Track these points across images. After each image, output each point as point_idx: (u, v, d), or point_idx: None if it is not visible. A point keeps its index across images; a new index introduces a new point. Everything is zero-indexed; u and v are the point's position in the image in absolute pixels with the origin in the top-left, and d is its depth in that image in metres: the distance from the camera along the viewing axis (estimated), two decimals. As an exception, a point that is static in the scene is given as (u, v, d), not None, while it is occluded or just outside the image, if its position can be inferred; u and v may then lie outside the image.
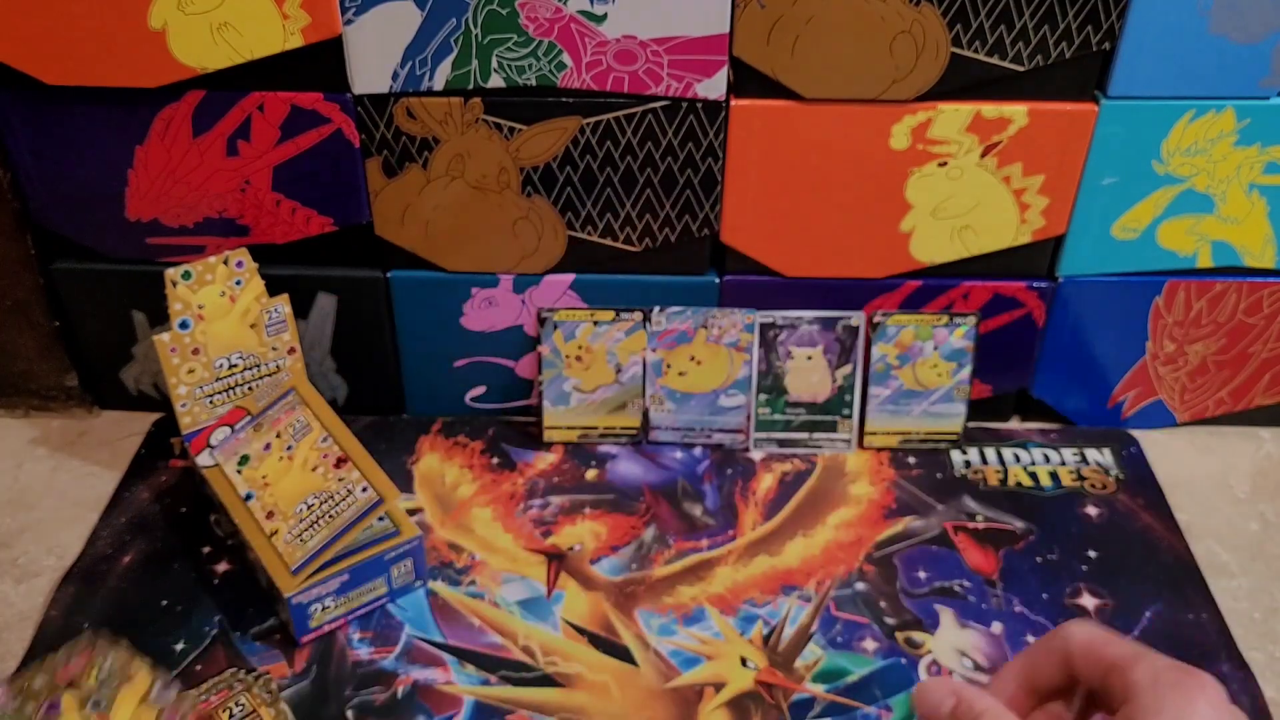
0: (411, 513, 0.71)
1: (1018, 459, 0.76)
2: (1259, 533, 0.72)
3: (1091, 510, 0.72)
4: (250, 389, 0.70)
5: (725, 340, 0.74)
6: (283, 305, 0.69)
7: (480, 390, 0.79)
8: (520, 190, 0.70)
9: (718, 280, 0.74)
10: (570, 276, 0.74)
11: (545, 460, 0.76)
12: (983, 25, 0.63)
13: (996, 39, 0.64)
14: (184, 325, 0.66)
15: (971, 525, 0.71)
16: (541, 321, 0.74)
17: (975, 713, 0.38)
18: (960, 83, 0.65)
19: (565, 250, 0.72)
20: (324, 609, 0.62)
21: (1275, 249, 0.72)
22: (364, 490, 0.62)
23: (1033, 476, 0.75)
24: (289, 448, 0.66)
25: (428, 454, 0.77)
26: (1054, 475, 0.75)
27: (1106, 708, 0.38)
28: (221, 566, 0.68)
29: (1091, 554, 0.69)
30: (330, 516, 0.61)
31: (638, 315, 0.74)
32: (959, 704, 0.38)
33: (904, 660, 0.62)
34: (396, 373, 0.79)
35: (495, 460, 0.76)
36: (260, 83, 0.66)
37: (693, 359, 0.75)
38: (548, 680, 0.61)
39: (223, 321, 0.67)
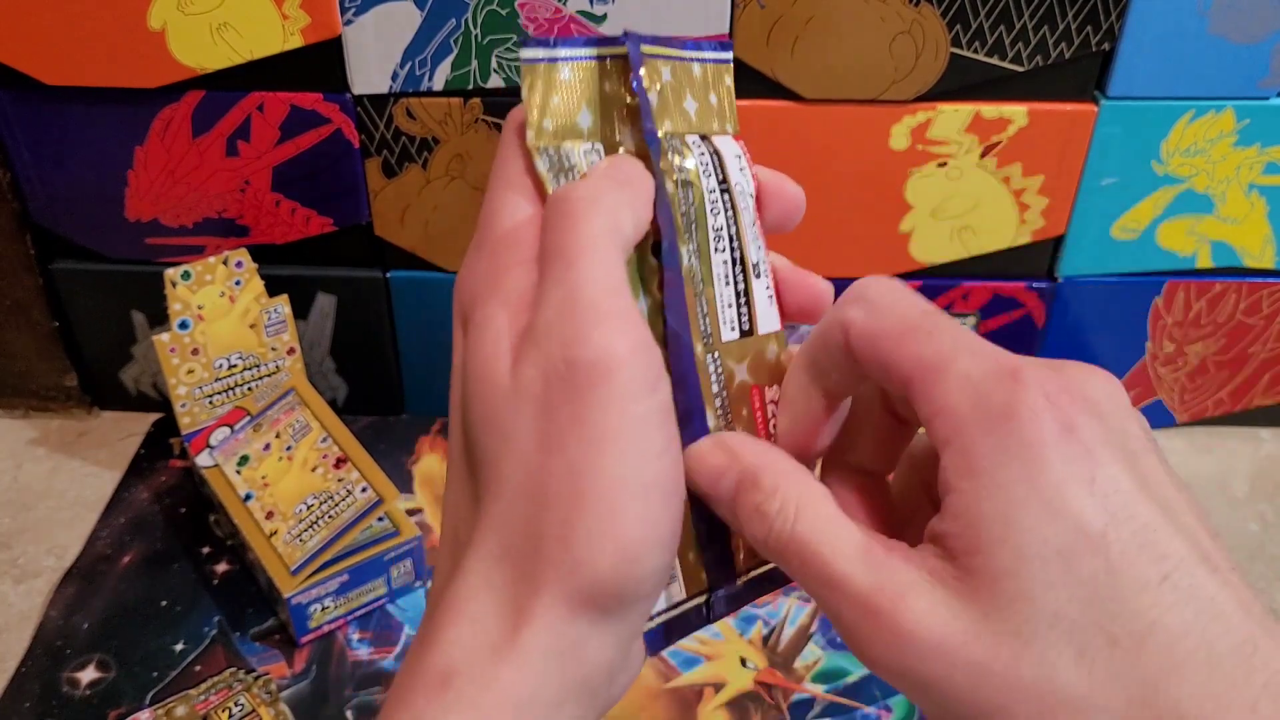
0: (411, 513, 0.71)
1: (1017, 459, 0.76)
2: (1259, 533, 0.72)
3: (1091, 510, 0.72)
4: (250, 389, 0.70)
5: (725, 340, 0.74)
6: (282, 305, 0.69)
7: (480, 390, 0.79)
8: (520, 190, 0.70)
9: (717, 280, 0.74)
10: (570, 277, 0.74)
11: (545, 460, 0.76)
12: (982, 26, 0.63)
13: (996, 39, 0.64)
14: (183, 325, 0.66)
15: (971, 525, 0.71)
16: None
17: (761, 496, 0.28)
18: (960, 83, 0.65)
19: (565, 250, 0.72)
20: (323, 609, 0.62)
21: (1275, 249, 0.72)
22: (364, 490, 0.62)
23: (1032, 477, 0.75)
24: (288, 448, 0.66)
25: (427, 454, 0.77)
26: (1054, 475, 0.75)
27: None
28: (221, 567, 0.68)
29: (1091, 554, 0.69)
30: (330, 517, 0.61)
31: (637, 315, 0.74)
32: (742, 478, 0.28)
33: (904, 660, 0.62)
34: (396, 373, 0.79)
35: (495, 460, 0.76)
36: (260, 83, 0.66)
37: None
38: (547, 680, 0.61)
39: (222, 322, 0.67)
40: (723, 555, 0.32)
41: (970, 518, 0.25)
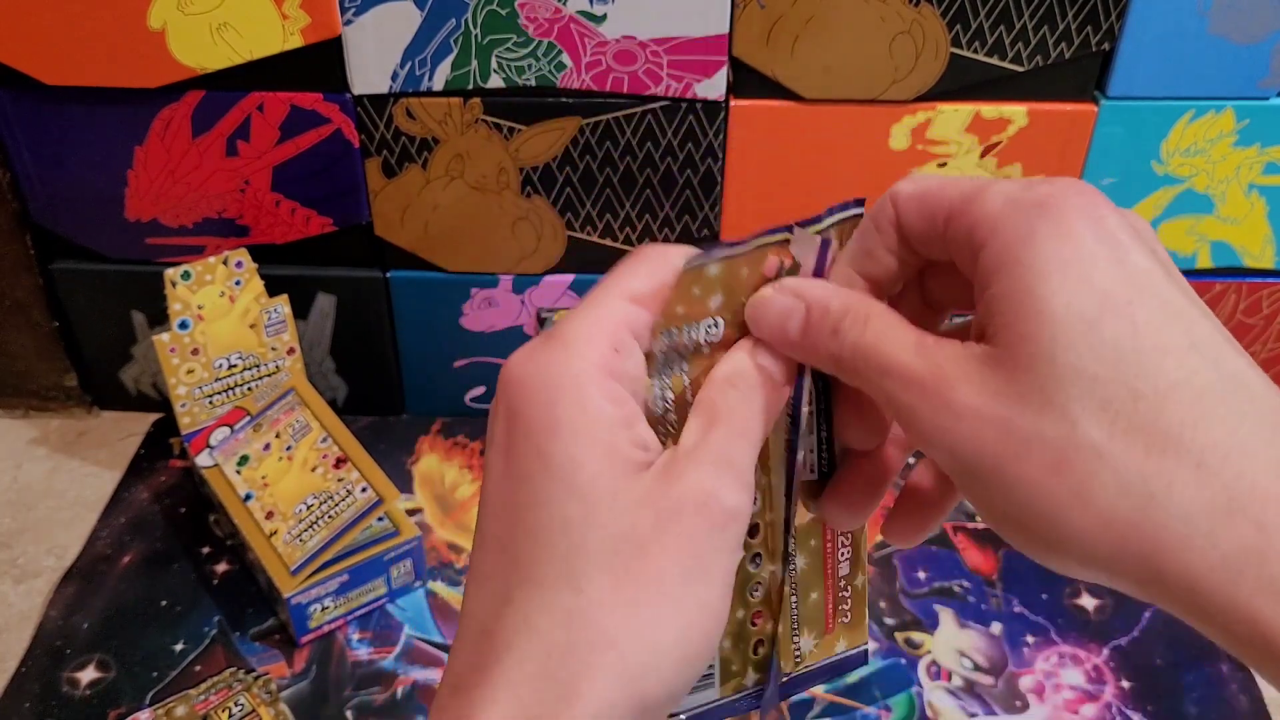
0: (411, 513, 0.71)
1: (1017, 459, 0.76)
2: (1258, 533, 0.72)
3: (1091, 510, 0.72)
4: (250, 389, 0.70)
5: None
6: (282, 305, 0.69)
7: (480, 390, 0.79)
8: (520, 190, 0.70)
9: (717, 280, 0.74)
10: (570, 277, 0.74)
11: (545, 460, 0.76)
12: (982, 26, 0.63)
13: (996, 39, 0.64)
14: (183, 325, 0.66)
15: (971, 525, 0.71)
16: (541, 322, 0.74)
17: (832, 318, 0.29)
18: (960, 83, 0.65)
19: (565, 251, 0.72)
20: (323, 609, 0.62)
21: (1275, 249, 0.72)
22: (363, 490, 0.62)
23: (1032, 477, 0.75)
24: (288, 448, 0.66)
25: (427, 454, 0.77)
26: (1053, 475, 0.75)
27: (970, 294, 0.28)
28: (221, 567, 0.68)
29: (1091, 554, 0.69)
30: (330, 517, 0.61)
31: (637, 315, 0.74)
32: (810, 311, 0.30)
33: (904, 660, 0.62)
34: (396, 373, 0.79)
35: (495, 460, 0.76)
36: (260, 83, 0.66)
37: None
38: (547, 680, 0.61)
39: (222, 322, 0.67)
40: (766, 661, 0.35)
41: (1002, 299, 0.26)
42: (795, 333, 0.30)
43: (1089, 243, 0.25)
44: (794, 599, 0.34)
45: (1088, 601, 0.66)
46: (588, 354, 0.28)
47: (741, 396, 0.30)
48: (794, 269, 0.31)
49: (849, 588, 0.36)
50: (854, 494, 0.33)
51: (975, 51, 0.64)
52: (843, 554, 0.35)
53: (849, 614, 0.36)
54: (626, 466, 0.28)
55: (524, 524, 0.28)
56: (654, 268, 0.30)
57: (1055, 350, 0.25)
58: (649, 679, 0.27)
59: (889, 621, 0.65)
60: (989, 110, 0.67)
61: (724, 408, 0.29)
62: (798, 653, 0.35)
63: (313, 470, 0.64)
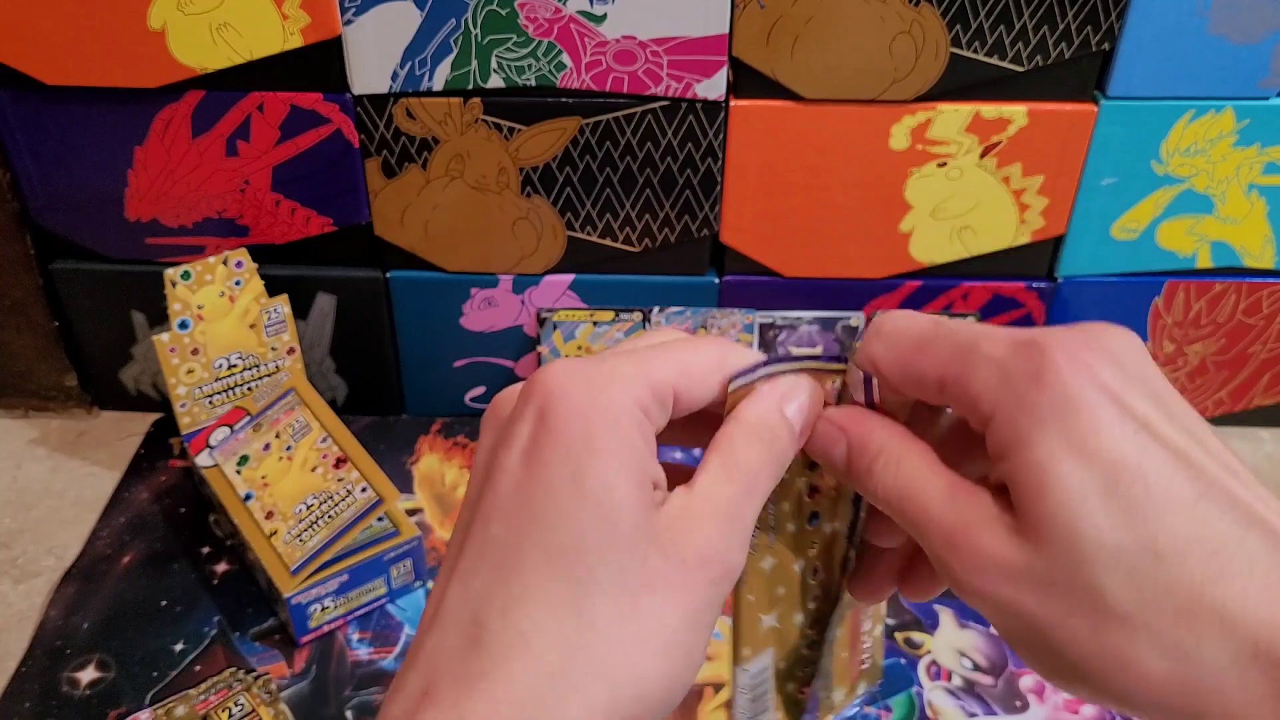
0: (411, 513, 0.71)
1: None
2: (1258, 533, 0.72)
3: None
4: (250, 389, 0.70)
5: (725, 341, 0.74)
6: (282, 305, 0.69)
7: (480, 390, 0.79)
8: (520, 190, 0.70)
9: (717, 281, 0.74)
10: (570, 277, 0.74)
11: (545, 460, 0.76)
12: (982, 25, 0.63)
13: (996, 39, 0.64)
14: (183, 325, 0.66)
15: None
16: (541, 322, 0.74)
17: (868, 458, 0.31)
18: (960, 83, 0.65)
19: (565, 250, 0.72)
20: (323, 609, 0.62)
21: (1275, 249, 0.72)
22: (363, 490, 0.62)
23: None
24: (288, 448, 0.66)
25: (427, 454, 0.77)
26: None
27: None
28: (221, 567, 0.68)
29: (1091, 554, 0.69)
30: (330, 517, 0.61)
31: (637, 316, 0.74)
32: (851, 444, 0.31)
33: (903, 660, 0.62)
34: (396, 373, 0.79)
35: (495, 460, 0.76)
36: (260, 83, 0.66)
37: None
38: (547, 680, 0.61)
39: (222, 322, 0.67)
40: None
41: (1018, 478, 0.27)
42: (840, 463, 0.31)
43: (1091, 410, 0.26)
44: (830, 659, 0.36)
45: (1088, 601, 0.66)
46: (631, 389, 0.29)
47: (764, 448, 0.30)
48: (845, 394, 0.32)
49: (869, 638, 0.37)
50: (877, 579, 0.34)
51: (975, 51, 0.64)
52: (865, 610, 0.37)
53: (866, 661, 0.38)
54: (649, 502, 0.28)
55: (537, 536, 0.27)
56: (711, 360, 0.31)
57: (1076, 527, 0.26)
58: (630, 715, 0.27)
59: (889, 621, 0.65)
60: (989, 110, 0.67)
61: (744, 461, 0.30)
62: (830, 706, 0.37)
63: (313, 470, 0.64)
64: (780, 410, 0.31)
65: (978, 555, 0.28)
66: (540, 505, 0.27)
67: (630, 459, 0.28)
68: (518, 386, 0.30)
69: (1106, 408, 0.26)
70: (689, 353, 0.30)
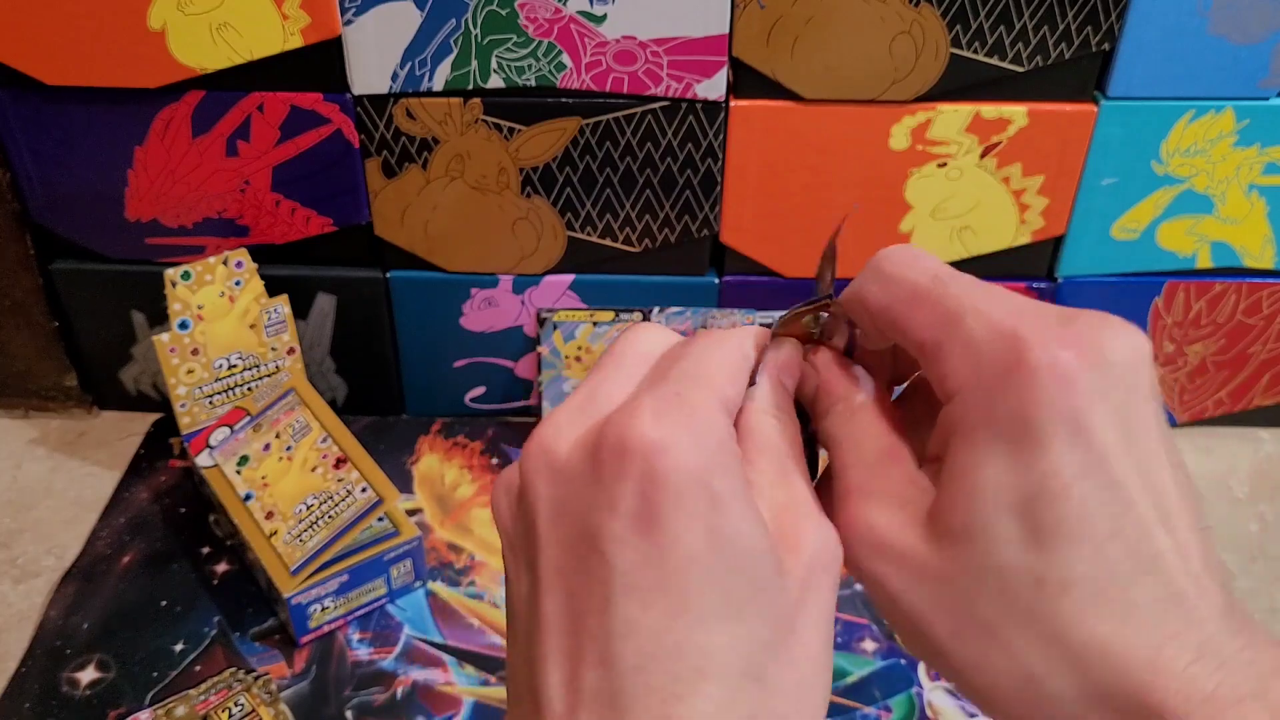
0: (411, 513, 0.71)
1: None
2: (1258, 534, 0.72)
3: (1091, 511, 0.72)
4: (250, 389, 0.70)
5: (725, 341, 0.74)
6: (282, 305, 0.69)
7: (480, 390, 0.79)
8: (520, 191, 0.70)
9: (717, 281, 0.74)
10: (570, 277, 0.74)
11: (545, 461, 0.76)
12: (982, 26, 0.63)
13: (996, 39, 0.64)
14: (183, 325, 0.66)
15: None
16: (541, 322, 0.74)
17: (830, 400, 0.31)
18: (960, 83, 0.65)
19: (565, 251, 0.72)
20: (323, 609, 0.62)
21: (1275, 249, 0.72)
22: (363, 491, 0.62)
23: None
24: (288, 448, 0.66)
25: (427, 454, 0.77)
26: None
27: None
28: (221, 567, 0.68)
29: (1091, 554, 0.69)
30: (330, 517, 0.61)
31: (637, 316, 0.74)
32: (819, 388, 0.32)
33: (903, 661, 0.62)
34: (396, 373, 0.79)
35: (495, 461, 0.76)
36: (260, 83, 0.66)
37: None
38: (547, 681, 0.61)
39: (222, 322, 0.67)
40: None
41: (950, 470, 0.27)
42: (807, 399, 0.32)
43: (1042, 427, 0.25)
44: None
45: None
46: (717, 421, 0.27)
47: (779, 427, 0.31)
48: (822, 333, 0.33)
49: None
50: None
51: (975, 51, 0.64)
52: None
53: None
54: (763, 530, 0.27)
55: (689, 607, 0.25)
56: (739, 356, 0.31)
57: (980, 537, 0.26)
58: None
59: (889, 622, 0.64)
60: (989, 110, 0.67)
61: (770, 439, 0.30)
62: None
63: (313, 470, 0.64)
64: (771, 414, 0.31)
65: (870, 531, 0.28)
66: (681, 573, 0.25)
67: (746, 492, 0.27)
68: (514, 468, 0.29)
69: (1060, 426, 0.25)
70: (723, 354, 0.30)
